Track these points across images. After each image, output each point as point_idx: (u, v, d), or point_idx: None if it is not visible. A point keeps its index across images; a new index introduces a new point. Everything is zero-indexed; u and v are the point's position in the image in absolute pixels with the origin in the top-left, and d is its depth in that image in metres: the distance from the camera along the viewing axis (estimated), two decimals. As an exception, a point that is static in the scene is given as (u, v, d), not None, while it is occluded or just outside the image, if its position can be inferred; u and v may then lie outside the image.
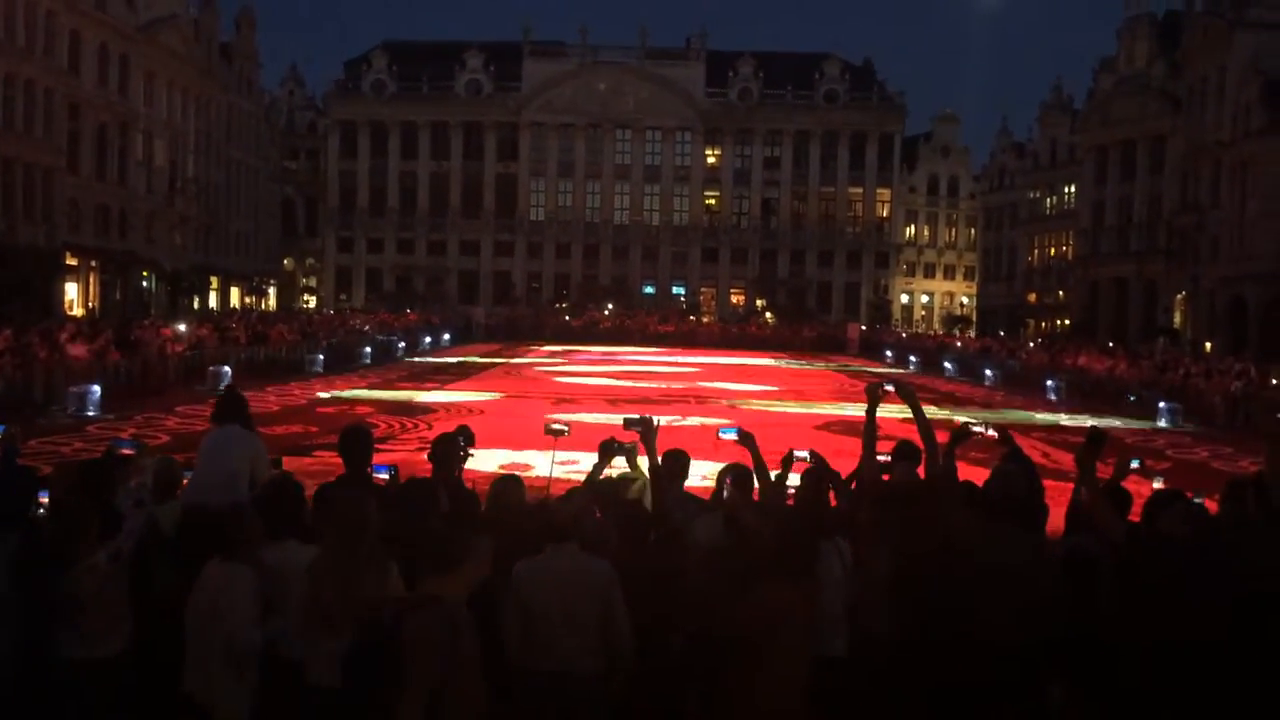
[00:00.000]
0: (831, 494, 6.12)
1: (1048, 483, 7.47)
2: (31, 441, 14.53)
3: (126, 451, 5.80)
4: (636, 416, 5.77)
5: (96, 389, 19.74)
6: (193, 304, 54.32)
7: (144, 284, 52.00)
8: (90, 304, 46.16)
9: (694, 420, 20.81)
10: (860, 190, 72.52)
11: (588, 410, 21.98)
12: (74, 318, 37.31)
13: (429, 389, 26.96)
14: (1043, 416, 25.23)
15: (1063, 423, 23.57)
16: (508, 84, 71.65)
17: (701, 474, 5.93)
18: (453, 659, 3.44)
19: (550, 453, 6.86)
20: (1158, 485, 6.04)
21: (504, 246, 71.98)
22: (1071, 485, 6.46)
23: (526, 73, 71.68)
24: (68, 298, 44.69)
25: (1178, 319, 52.32)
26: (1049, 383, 31.08)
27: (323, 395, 24.43)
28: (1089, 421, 21.79)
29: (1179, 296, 52.17)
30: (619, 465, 5.94)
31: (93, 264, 47.13)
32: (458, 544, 3.75)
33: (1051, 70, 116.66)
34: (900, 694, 4.82)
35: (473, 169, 72.05)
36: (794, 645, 4.39)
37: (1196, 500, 5.81)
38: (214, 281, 60.71)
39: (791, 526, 4.71)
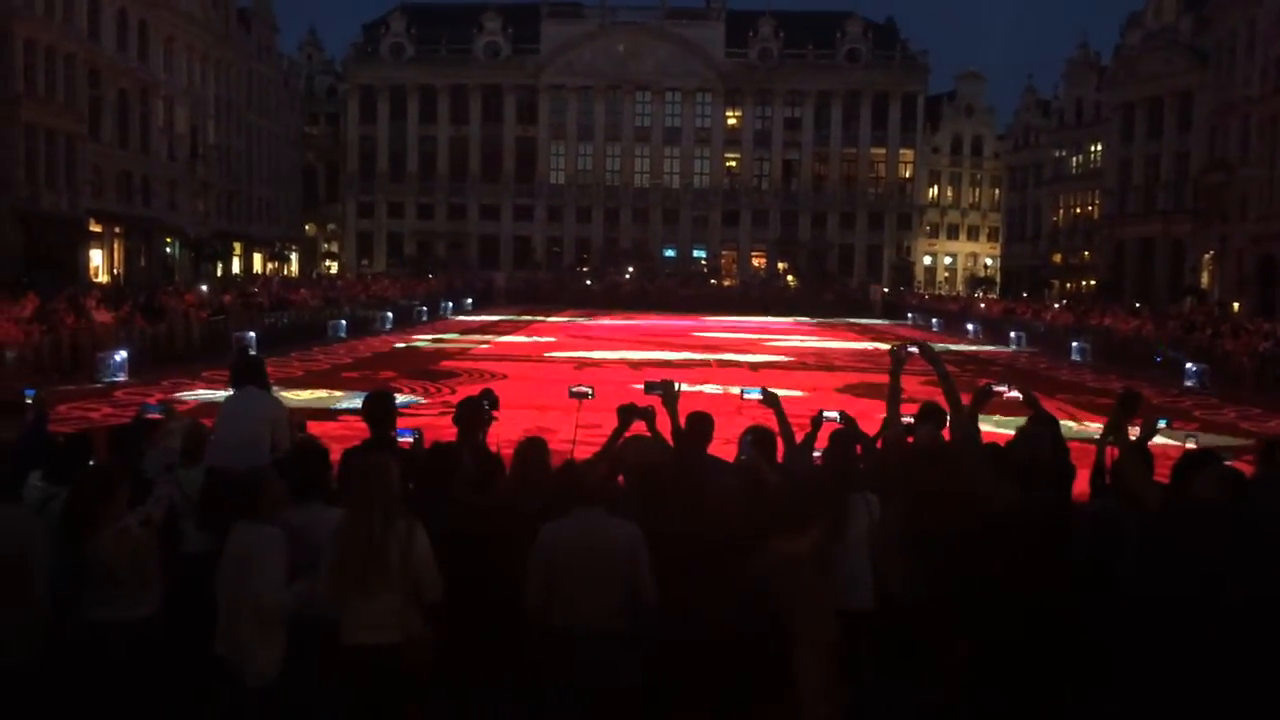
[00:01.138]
0: (860, 454, 6.10)
1: (1073, 444, 7.42)
2: (60, 407, 14.70)
3: (155, 416, 5.84)
4: (658, 381, 5.77)
5: (123, 355, 19.92)
6: (216, 270, 54.58)
7: (168, 250, 52.23)
8: (115, 271, 46.43)
9: (714, 388, 20.79)
10: (883, 151, 71.85)
11: (611, 374, 22.00)
12: (99, 284, 37.56)
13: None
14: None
15: (1088, 384, 23.43)
16: (526, 46, 71.18)
17: (725, 437, 5.92)
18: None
19: (575, 414, 6.84)
20: (1190, 446, 5.97)
21: (524, 211, 71.84)
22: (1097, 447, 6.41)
23: (545, 34, 71.17)
24: (92, 265, 44.95)
25: (1205, 279, 51.70)
26: (1074, 344, 30.85)
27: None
28: (1115, 382, 21.65)
29: (1206, 256, 51.51)
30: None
31: (116, 231, 47.34)
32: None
33: (1077, 27, 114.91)
34: (922, 652, 4.82)
35: (492, 133, 71.78)
36: (811, 603, 4.41)
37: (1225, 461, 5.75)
38: (237, 248, 60.92)
39: (804, 484, 4.72)
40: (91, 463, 5.16)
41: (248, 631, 4.28)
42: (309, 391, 18.61)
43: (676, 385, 5.81)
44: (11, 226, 37.69)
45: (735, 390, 6.49)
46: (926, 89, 72.55)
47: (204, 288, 30.23)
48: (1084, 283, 62.37)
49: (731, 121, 72.47)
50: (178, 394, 17.44)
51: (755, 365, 25.85)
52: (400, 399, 16.24)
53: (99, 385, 18.48)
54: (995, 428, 10.99)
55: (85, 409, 15.55)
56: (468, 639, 4.82)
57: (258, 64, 63.53)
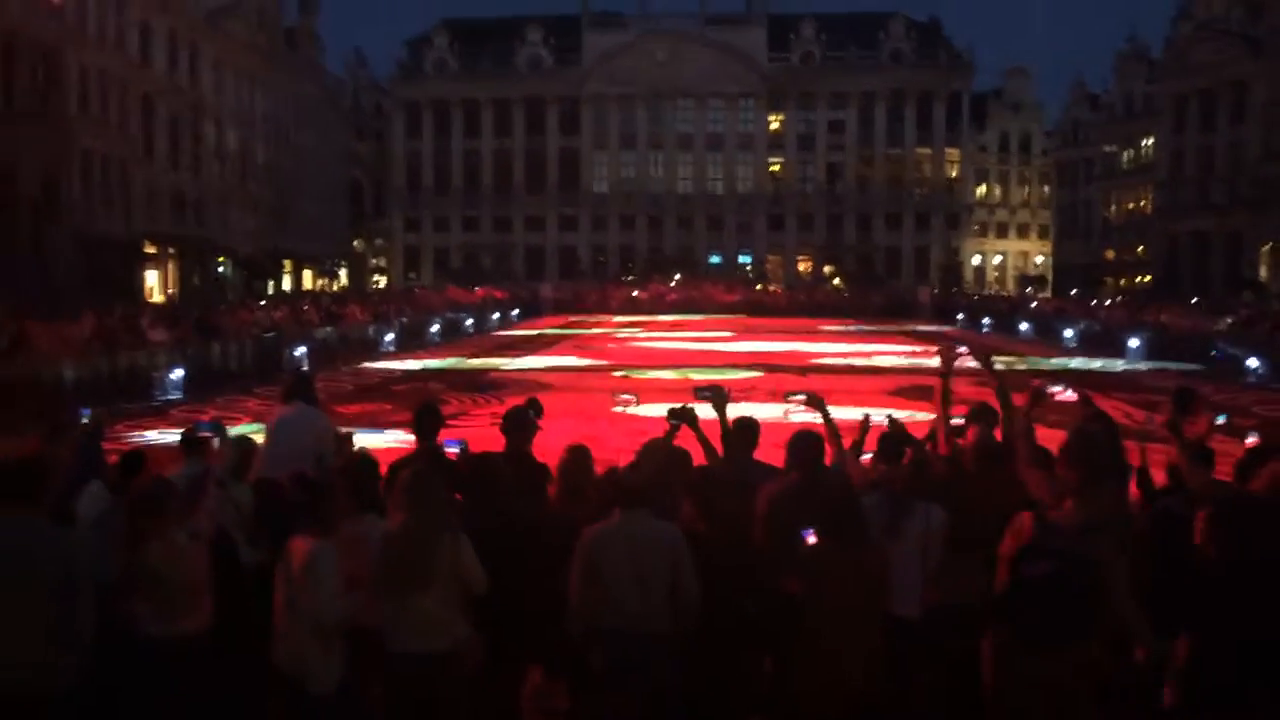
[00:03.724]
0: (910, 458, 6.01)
1: (1129, 443, 7.26)
2: (117, 426, 14.97)
3: (206, 434, 5.91)
4: (707, 386, 5.74)
5: (179, 374, 20.27)
6: (267, 288, 55.41)
7: (220, 270, 53.15)
8: (169, 290, 47.32)
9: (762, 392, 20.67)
10: (928, 151, 71.21)
11: (657, 383, 21.96)
12: (155, 304, 38.25)
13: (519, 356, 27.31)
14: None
15: (1145, 380, 22.99)
16: (568, 57, 71.59)
17: (773, 442, 5.86)
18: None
19: (620, 422, 6.86)
20: (1250, 441, 5.81)
21: (568, 221, 72.15)
22: (1153, 445, 6.27)
23: (586, 45, 71.52)
24: (148, 285, 45.85)
25: (1263, 272, 50.57)
26: (1130, 342, 30.27)
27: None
28: (1173, 380, 21.21)
29: (1264, 248, 50.41)
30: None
31: (170, 251, 48.27)
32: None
33: (1125, 19, 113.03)
34: (972, 659, 4.74)
35: (535, 144, 72.21)
36: (849, 608, 4.38)
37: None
38: (287, 265, 61.83)
39: (840, 493, 4.67)
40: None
41: (307, 643, 4.32)
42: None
43: (726, 390, 5.79)
44: (70, 250, 38.55)
45: (782, 395, 6.41)
46: (971, 87, 71.84)
47: (263, 303, 30.67)
48: (1138, 279, 61.31)
49: (775, 126, 72.25)
50: (231, 412, 17.68)
51: (804, 370, 25.69)
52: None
53: (155, 404, 18.79)
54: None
55: (142, 428, 15.81)
56: (516, 645, 4.83)
57: (305, 83, 64.49)
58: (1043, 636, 4.10)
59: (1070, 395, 6.19)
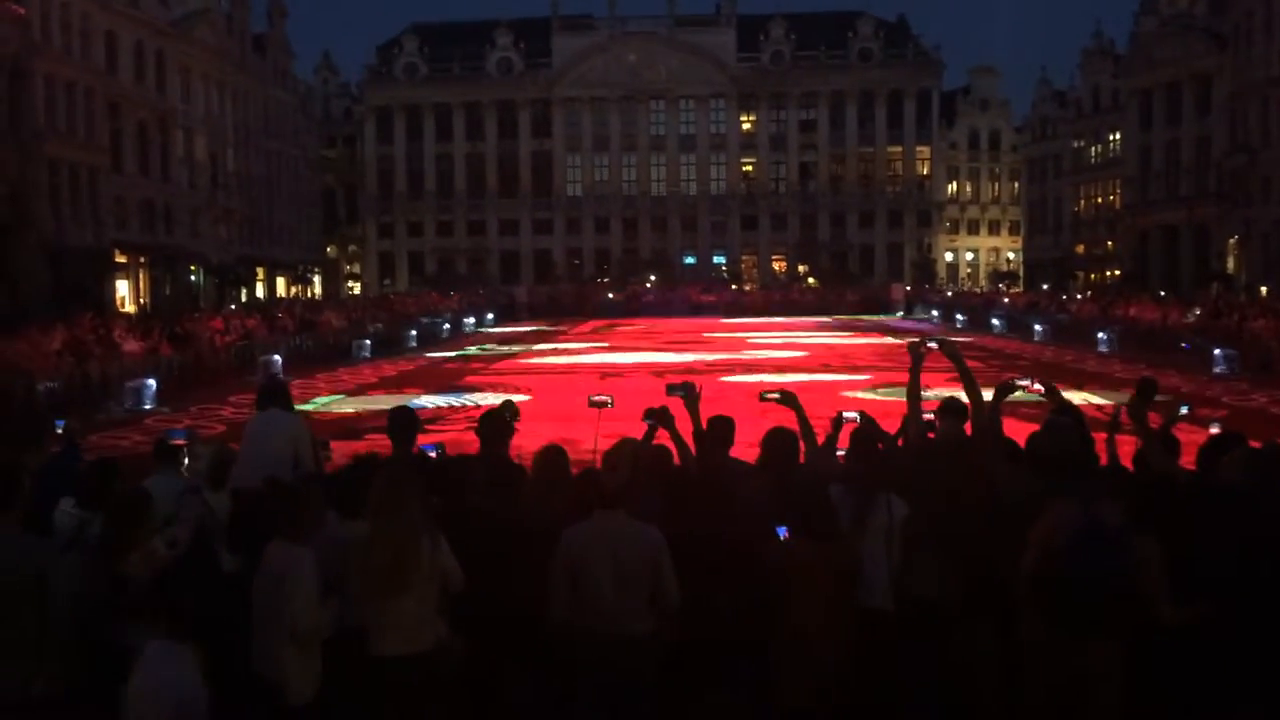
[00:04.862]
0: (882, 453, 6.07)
1: (1099, 435, 7.36)
2: (91, 436, 14.87)
3: (178, 442, 5.91)
4: (679, 383, 5.78)
5: (151, 383, 20.14)
6: (240, 296, 55.04)
7: (192, 278, 52.75)
8: (141, 300, 46.92)
9: (738, 378, 20.75)
10: (899, 149, 71.63)
11: (633, 383, 22.00)
12: (126, 314, 37.93)
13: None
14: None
15: (1116, 374, 23.23)
16: (539, 60, 71.53)
17: (747, 440, 5.90)
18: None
19: (596, 424, 6.85)
20: (1214, 430, 5.91)
21: (543, 224, 72.09)
22: (1122, 436, 6.36)
23: (557, 48, 71.49)
24: (119, 295, 45.44)
25: (1231, 264, 51.14)
26: (1100, 335, 30.57)
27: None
28: (1143, 371, 21.45)
29: (1232, 241, 50.95)
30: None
31: (141, 260, 47.85)
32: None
33: (1091, 15, 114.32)
34: (944, 650, 4.81)
35: (508, 148, 72.12)
36: (823, 603, 4.43)
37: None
38: (260, 272, 61.42)
39: (809, 487, 4.73)
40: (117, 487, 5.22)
41: (284, 651, 4.32)
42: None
43: (698, 387, 5.83)
44: (39, 261, 38.17)
45: (757, 391, 6.46)
46: (940, 85, 72.31)
47: (233, 307, 30.47)
48: (1108, 273, 61.85)
49: (746, 126, 72.47)
50: (206, 420, 17.58)
51: (779, 368, 25.79)
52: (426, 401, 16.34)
53: (129, 414, 18.68)
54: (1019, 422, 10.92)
55: (116, 438, 15.71)
56: (493, 645, 4.86)
57: (274, 89, 64.08)
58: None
59: (1038, 388, 6.25)
